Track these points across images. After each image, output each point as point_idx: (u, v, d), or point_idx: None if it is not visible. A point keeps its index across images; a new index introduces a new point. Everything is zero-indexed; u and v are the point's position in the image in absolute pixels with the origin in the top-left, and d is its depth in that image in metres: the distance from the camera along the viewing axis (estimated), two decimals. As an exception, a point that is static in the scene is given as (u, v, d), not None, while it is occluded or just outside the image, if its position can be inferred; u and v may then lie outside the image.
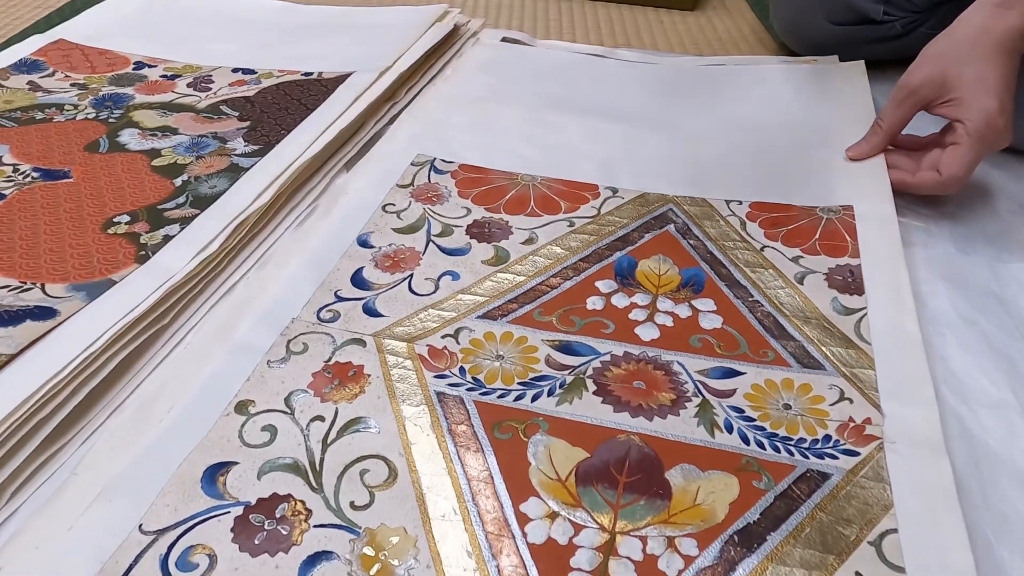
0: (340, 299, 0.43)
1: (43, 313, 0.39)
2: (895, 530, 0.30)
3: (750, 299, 0.42)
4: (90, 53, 0.68)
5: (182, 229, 0.46)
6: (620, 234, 0.47)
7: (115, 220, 0.47)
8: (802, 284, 0.43)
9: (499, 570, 0.30)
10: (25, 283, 0.42)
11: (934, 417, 0.35)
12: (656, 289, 0.43)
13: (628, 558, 0.30)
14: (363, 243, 0.47)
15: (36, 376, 0.36)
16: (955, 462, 0.33)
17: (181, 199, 0.49)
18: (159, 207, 0.49)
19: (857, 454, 0.33)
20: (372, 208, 0.50)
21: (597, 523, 0.31)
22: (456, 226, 0.49)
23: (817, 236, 0.46)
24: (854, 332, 0.40)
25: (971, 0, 0.48)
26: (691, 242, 0.46)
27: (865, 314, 0.41)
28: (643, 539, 0.31)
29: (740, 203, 0.50)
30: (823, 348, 0.39)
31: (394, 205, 0.51)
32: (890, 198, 0.48)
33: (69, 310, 0.40)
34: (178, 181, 0.51)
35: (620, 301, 0.42)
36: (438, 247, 0.47)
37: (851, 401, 0.36)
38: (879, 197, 0.48)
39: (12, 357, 0.37)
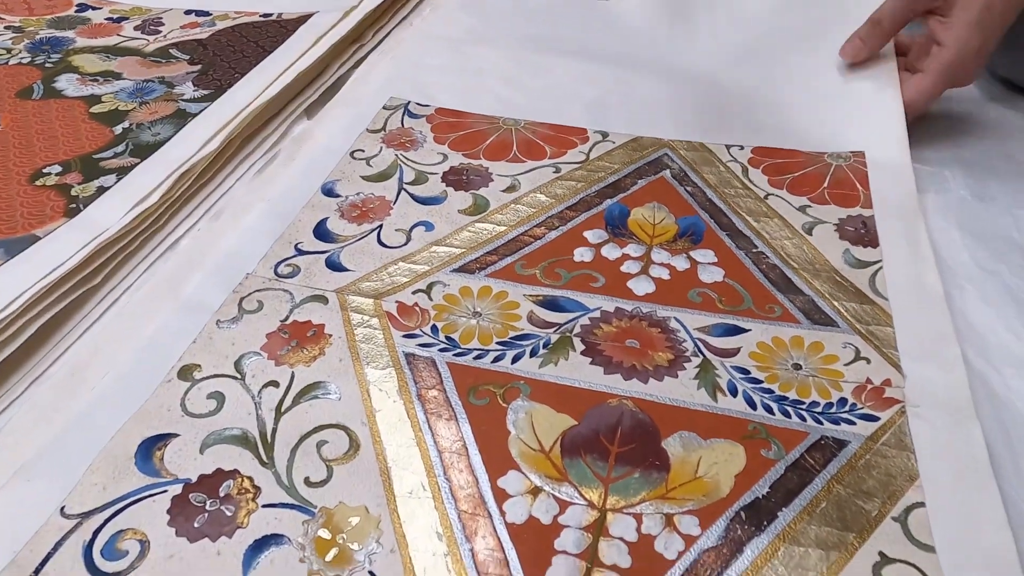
0: (301, 252, 0.38)
1: None
2: (922, 504, 0.27)
3: (754, 250, 0.38)
4: None
5: (119, 180, 0.42)
6: (611, 180, 0.43)
7: (44, 171, 0.43)
8: (811, 235, 0.39)
9: (473, 554, 0.26)
10: None
11: (961, 378, 0.31)
12: (650, 239, 0.39)
13: (621, 539, 0.26)
14: (328, 192, 0.43)
15: None
16: (983, 426, 0.29)
17: (120, 148, 0.45)
18: (95, 156, 0.44)
19: (877, 419, 0.30)
20: (339, 154, 0.46)
21: (585, 499, 0.27)
22: (431, 173, 0.44)
23: (826, 184, 0.42)
24: (869, 286, 0.36)
25: None
26: (688, 189, 0.42)
27: (880, 267, 0.37)
28: (638, 517, 0.27)
29: (741, 148, 0.45)
30: (835, 303, 0.35)
31: (363, 151, 0.46)
32: (905, 143, 0.44)
33: None
34: (118, 129, 0.47)
35: (611, 252, 0.38)
36: (411, 195, 0.42)
37: (868, 361, 0.32)
38: (894, 142, 0.44)
39: None
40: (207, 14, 0.60)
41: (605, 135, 0.47)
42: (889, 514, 0.26)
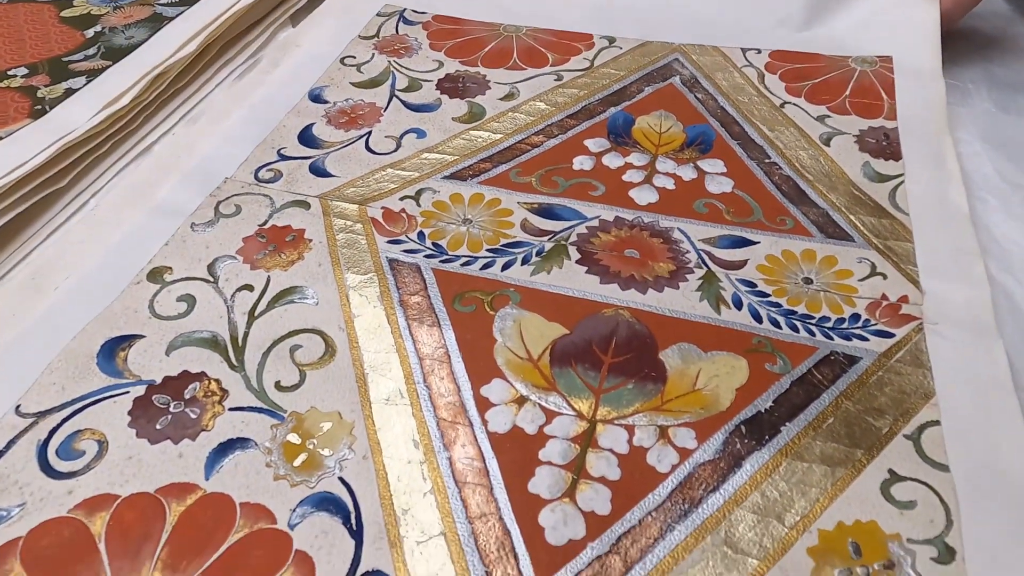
0: (283, 158, 0.36)
1: None
2: (937, 422, 0.25)
3: (766, 160, 0.35)
4: None
5: (88, 82, 0.39)
6: (616, 88, 0.40)
7: (9, 73, 0.41)
8: (828, 146, 0.36)
9: (451, 462, 0.24)
10: None
11: (985, 297, 0.29)
12: (656, 148, 0.36)
13: (610, 450, 0.24)
14: (315, 98, 0.40)
15: None
16: (1005, 343, 0.27)
17: (91, 51, 0.42)
18: (64, 59, 0.42)
19: (892, 335, 0.28)
20: (328, 60, 0.43)
21: (574, 409, 0.26)
22: (425, 80, 0.42)
23: (848, 93, 0.39)
24: (888, 201, 0.33)
25: None
26: (699, 96, 0.39)
27: (902, 181, 0.34)
28: (629, 428, 0.25)
29: (759, 52, 0.42)
30: (851, 217, 0.32)
31: (354, 58, 0.43)
32: (938, 50, 0.41)
33: None
34: (90, 32, 0.44)
35: (613, 161, 0.36)
36: (403, 102, 0.40)
37: (884, 276, 0.30)
38: (925, 47, 0.41)
39: None
40: None
41: (612, 40, 0.44)
42: (901, 431, 0.24)
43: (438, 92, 0.41)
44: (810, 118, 0.38)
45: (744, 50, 0.42)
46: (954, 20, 0.42)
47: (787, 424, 0.25)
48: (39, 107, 0.38)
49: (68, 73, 0.40)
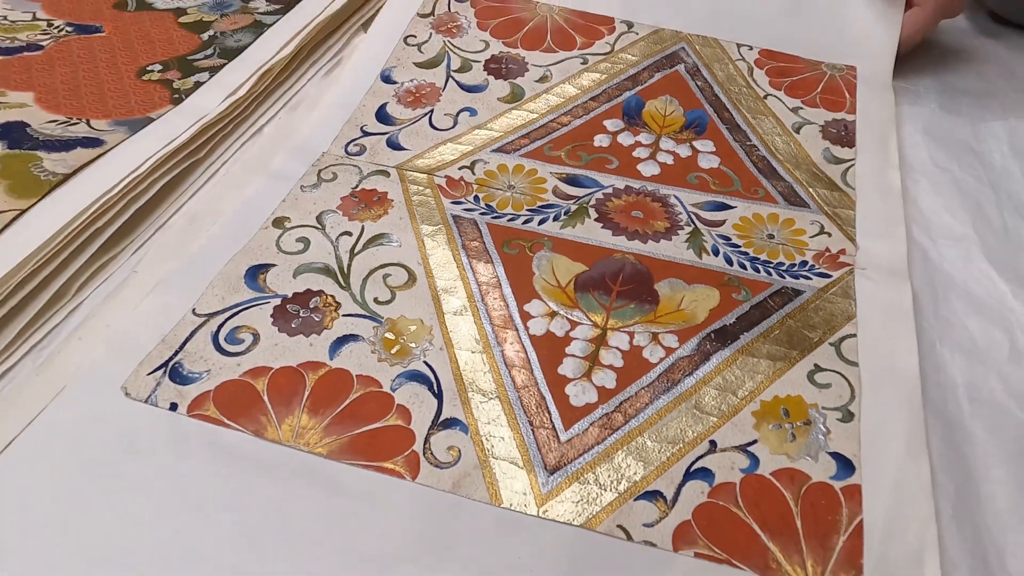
0: (366, 134, 0.46)
1: (91, 142, 0.43)
2: (854, 335, 0.34)
3: (748, 143, 0.45)
4: None
5: (211, 76, 0.49)
6: (631, 73, 0.50)
7: (148, 68, 0.50)
8: (798, 133, 0.46)
9: (503, 354, 0.34)
10: (71, 118, 0.45)
11: (902, 250, 0.38)
12: (660, 129, 0.46)
13: (616, 348, 0.34)
14: (386, 79, 0.50)
15: (90, 192, 0.40)
16: (914, 284, 0.36)
17: (209, 51, 0.52)
18: (188, 58, 0.52)
19: (829, 276, 0.37)
20: (394, 41, 0.52)
21: (591, 320, 0.35)
22: (475, 61, 0.51)
23: (819, 90, 0.49)
24: (840, 179, 0.43)
25: None
26: (699, 83, 0.49)
27: (853, 164, 0.43)
28: (631, 334, 0.35)
29: (751, 48, 0.52)
30: (810, 189, 0.42)
31: (415, 37, 0.53)
32: (891, 64, 0.50)
33: (114, 140, 0.43)
34: (205, 36, 0.54)
35: (625, 139, 0.45)
36: (457, 83, 0.49)
37: (829, 235, 0.39)
38: (883, 61, 0.50)
39: (67, 176, 0.40)
40: None
41: (630, 25, 0.53)
42: (827, 340, 0.34)
43: (485, 73, 0.50)
44: (786, 108, 0.47)
45: (739, 45, 0.52)
46: (914, 41, 0.51)
47: (745, 333, 0.34)
48: (176, 96, 0.48)
49: (194, 69, 0.50)
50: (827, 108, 0.47)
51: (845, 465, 0.30)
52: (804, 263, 0.38)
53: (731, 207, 0.41)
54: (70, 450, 0.30)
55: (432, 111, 0.47)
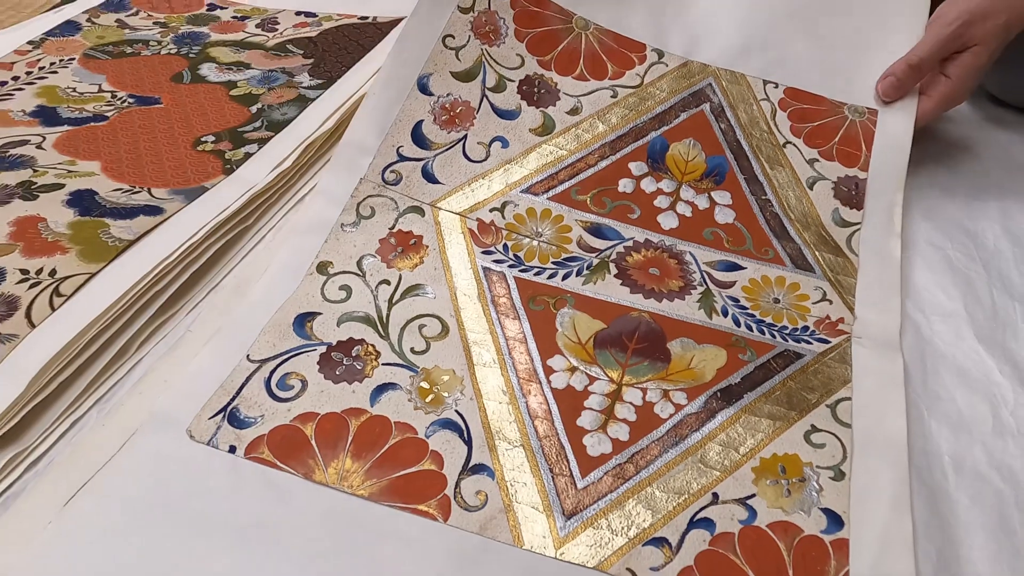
0: (402, 158, 0.49)
1: (152, 210, 0.47)
2: (849, 398, 0.37)
3: (763, 197, 0.48)
4: None
5: (260, 148, 0.53)
6: (657, 111, 0.52)
7: (202, 139, 0.54)
8: (811, 189, 0.49)
9: (527, 405, 0.38)
10: (134, 187, 0.49)
11: (895, 323, 0.41)
12: (682, 176, 0.49)
13: (630, 403, 0.38)
14: (423, 88, 0.51)
15: (152, 257, 0.43)
16: (907, 356, 0.39)
17: (257, 123, 0.56)
18: (239, 130, 0.55)
19: (828, 342, 0.40)
20: (433, 39, 0.52)
21: (608, 376, 0.39)
22: (509, 79, 0.53)
23: (836, 140, 0.51)
24: (846, 244, 0.46)
25: None
26: (722, 126, 0.52)
27: (859, 229, 0.47)
28: (643, 390, 0.38)
29: (776, 86, 0.53)
30: (816, 253, 0.45)
31: (453, 38, 0.53)
32: (913, 112, 0.51)
33: (172, 209, 0.47)
34: (253, 109, 0.57)
35: (648, 186, 0.49)
36: (491, 105, 0.51)
37: (831, 302, 0.42)
38: (903, 109, 0.52)
39: (132, 243, 0.44)
40: (314, 15, 0.71)
41: (660, 55, 0.55)
42: (824, 402, 0.37)
43: (519, 97, 0.52)
44: (803, 160, 0.50)
45: (765, 82, 0.54)
46: (917, 128, 0.51)
47: (748, 393, 0.38)
48: (228, 166, 0.51)
49: (243, 141, 0.54)
50: (842, 162, 0.50)
51: (835, 520, 0.33)
52: (806, 328, 0.41)
53: (742, 267, 0.44)
54: (140, 491, 0.33)
55: (466, 137, 0.50)
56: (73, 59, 0.64)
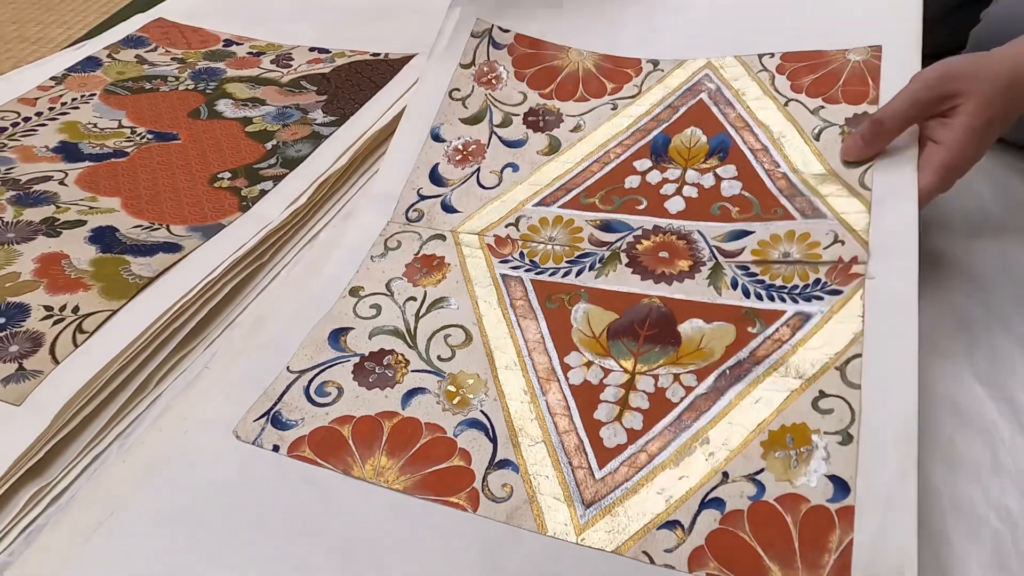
0: (422, 197, 0.52)
1: (171, 247, 0.49)
2: (859, 355, 0.37)
3: (770, 161, 0.48)
4: (185, 31, 0.78)
5: (275, 185, 0.55)
6: (657, 112, 0.54)
7: (219, 176, 0.56)
8: (818, 140, 0.48)
9: (547, 402, 0.40)
10: (153, 223, 0.52)
11: (913, 263, 0.39)
12: (686, 162, 0.50)
13: (643, 391, 0.39)
14: (436, 137, 0.55)
15: (171, 294, 0.46)
16: (922, 294, 0.38)
17: (272, 160, 0.58)
18: (254, 166, 0.57)
19: (840, 292, 0.40)
20: (441, 94, 0.57)
21: (621, 367, 0.41)
22: (514, 115, 0.56)
23: (841, 83, 0.50)
24: (858, 182, 0.45)
25: None
26: (721, 107, 0.52)
27: (871, 165, 0.45)
28: (655, 376, 0.40)
29: (772, 55, 0.53)
30: (827, 200, 0.45)
31: (459, 91, 0.57)
32: (919, 40, 0.49)
33: (190, 246, 0.50)
34: (268, 145, 0.59)
35: (653, 178, 0.50)
36: (500, 139, 0.55)
37: (843, 243, 0.42)
38: (908, 38, 0.50)
39: (152, 279, 0.47)
40: (327, 51, 0.73)
41: (656, 64, 0.56)
42: (833, 365, 0.38)
43: (524, 127, 0.55)
44: (807, 112, 0.49)
45: (760, 56, 0.54)
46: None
47: (757, 367, 0.39)
48: (244, 203, 0.54)
49: (259, 178, 0.56)
50: (849, 101, 0.49)
51: (841, 487, 0.34)
52: (817, 281, 0.41)
53: (750, 232, 0.45)
54: (190, 486, 0.37)
55: (479, 169, 0.53)
56: (94, 94, 0.66)
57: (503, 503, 0.36)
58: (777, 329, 0.40)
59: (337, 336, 0.45)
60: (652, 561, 0.33)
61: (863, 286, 0.40)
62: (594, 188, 0.50)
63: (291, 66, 0.71)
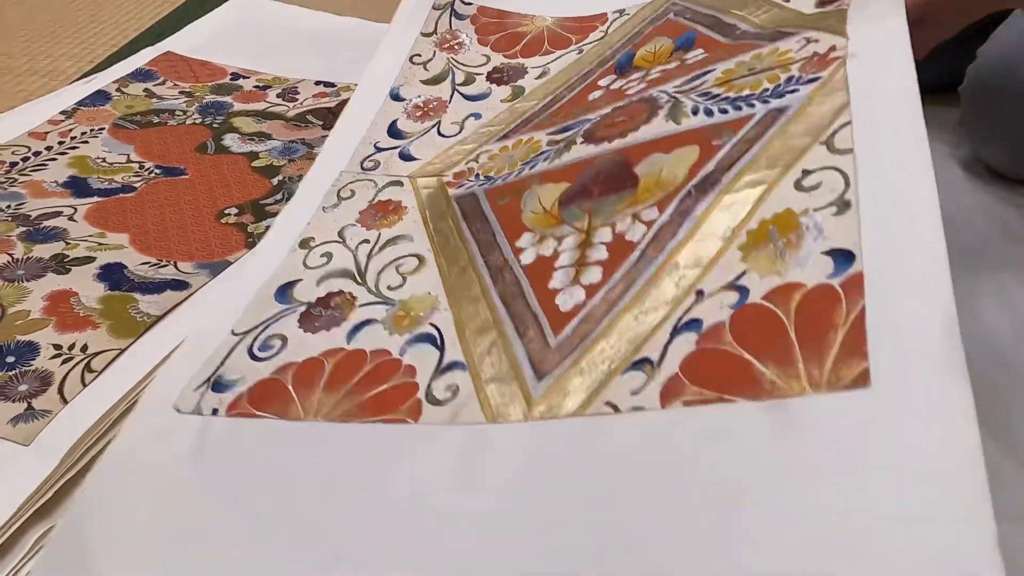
0: (379, 150, 0.48)
1: (178, 285, 0.48)
2: (849, 122, 0.29)
3: (736, 31, 0.41)
4: (193, 64, 0.79)
5: None
6: (623, 40, 0.49)
7: (226, 212, 0.56)
8: (788, 1, 0.41)
9: (500, 292, 0.34)
10: (161, 260, 0.51)
11: (902, 29, 0.32)
12: (650, 65, 0.44)
13: (601, 243, 0.32)
14: (395, 97, 0.52)
15: (178, 334, 0.43)
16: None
17: (278, 196, 0.57)
18: (261, 202, 0.57)
19: (819, 78, 0.32)
20: (400, 61, 0.54)
21: (575, 228, 0.34)
22: (477, 74, 0.53)
23: None
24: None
25: None
26: (688, 16, 0.46)
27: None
28: (613, 225, 0.33)
29: None
30: (799, 24, 0.37)
31: (420, 56, 0.55)
32: None
33: (198, 283, 0.48)
34: (275, 180, 0.59)
35: (617, 84, 0.44)
36: (462, 95, 0.51)
37: (817, 41, 0.34)
38: None
39: (159, 318, 0.46)
40: (333, 85, 0.73)
41: (622, 12, 0.52)
42: (818, 141, 0.29)
43: (488, 83, 0.51)
44: None
45: None
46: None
47: (726, 174, 0.31)
48: (251, 240, 0.52)
49: (265, 214, 0.55)
50: None
51: (843, 258, 0.25)
52: (790, 78, 0.33)
53: (712, 70, 0.38)
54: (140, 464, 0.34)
55: (439, 122, 0.49)
56: (103, 129, 0.66)
57: (447, 404, 0.30)
58: (747, 132, 0.32)
59: (284, 290, 0.41)
60: (617, 410, 0.26)
61: (844, 65, 0.32)
62: (558, 111, 0.45)
63: (297, 99, 0.71)
